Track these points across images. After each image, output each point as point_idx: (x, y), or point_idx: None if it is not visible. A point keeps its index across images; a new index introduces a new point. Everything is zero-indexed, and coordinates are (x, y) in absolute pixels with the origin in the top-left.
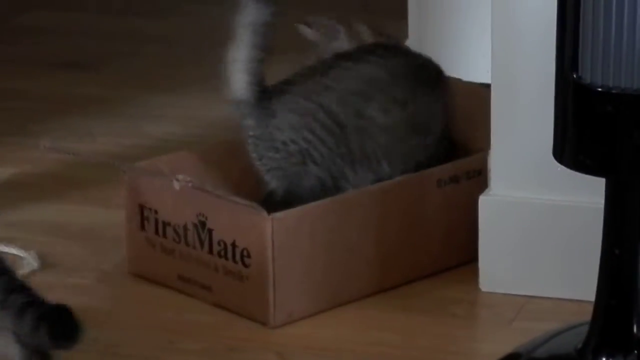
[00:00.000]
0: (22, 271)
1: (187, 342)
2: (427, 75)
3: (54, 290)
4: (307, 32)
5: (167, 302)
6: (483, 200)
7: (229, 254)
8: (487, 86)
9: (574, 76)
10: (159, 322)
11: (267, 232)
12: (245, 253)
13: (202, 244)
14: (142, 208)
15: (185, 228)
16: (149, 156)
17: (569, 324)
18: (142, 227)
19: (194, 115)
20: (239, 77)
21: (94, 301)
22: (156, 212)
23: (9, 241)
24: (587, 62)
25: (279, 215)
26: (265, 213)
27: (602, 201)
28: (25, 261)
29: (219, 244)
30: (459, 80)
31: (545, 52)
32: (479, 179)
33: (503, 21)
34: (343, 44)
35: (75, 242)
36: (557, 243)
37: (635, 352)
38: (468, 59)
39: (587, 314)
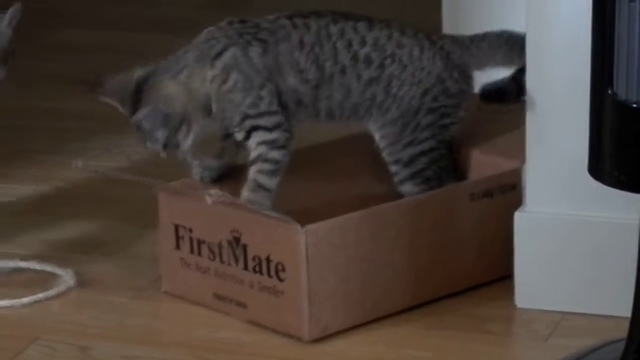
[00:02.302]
0: (58, 289)
1: None
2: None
3: (89, 307)
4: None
5: (202, 320)
6: (518, 216)
7: (264, 269)
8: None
9: (609, 92)
10: (194, 341)
11: (301, 244)
12: (280, 267)
13: (237, 260)
14: (176, 227)
15: (219, 245)
16: (182, 175)
17: (605, 340)
18: (177, 246)
19: None
20: None
21: (129, 319)
22: (191, 230)
23: (44, 259)
24: (622, 79)
25: (312, 227)
26: (298, 226)
27: (638, 217)
28: (61, 279)
29: (253, 259)
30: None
31: (580, 68)
32: (513, 194)
33: (538, 36)
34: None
35: (111, 260)
36: (593, 259)
37: None
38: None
39: (623, 330)
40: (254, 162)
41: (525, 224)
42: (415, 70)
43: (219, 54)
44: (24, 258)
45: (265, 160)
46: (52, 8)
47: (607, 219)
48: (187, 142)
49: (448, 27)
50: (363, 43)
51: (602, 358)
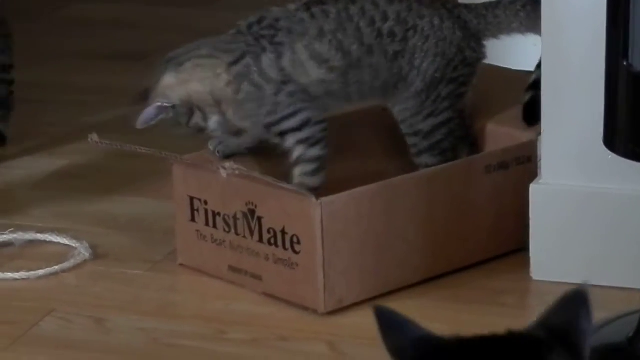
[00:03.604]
0: (73, 261)
1: (237, 333)
2: None
3: (105, 280)
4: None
5: (218, 293)
6: (534, 188)
7: (279, 241)
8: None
9: (625, 64)
10: (210, 313)
11: (317, 217)
12: (295, 239)
13: (252, 232)
14: (191, 200)
15: (235, 218)
16: (198, 148)
17: (620, 312)
18: (193, 218)
19: None
20: None
21: (144, 292)
22: (206, 202)
23: (60, 232)
24: (637, 50)
25: (327, 199)
26: (314, 198)
27: None
28: (76, 251)
29: (268, 231)
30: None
31: (596, 40)
32: (529, 166)
33: (553, 9)
34: None
35: (126, 233)
36: (608, 231)
37: None
38: (518, 48)
39: (638, 303)
40: (295, 163)
41: (540, 196)
42: (438, 41)
43: (235, 62)
44: (40, 231)
45: (306, 161)
46: None
47: (622, 191)
48: (210, 123)
49: None
50: (385, 18)
51: (617, 330)
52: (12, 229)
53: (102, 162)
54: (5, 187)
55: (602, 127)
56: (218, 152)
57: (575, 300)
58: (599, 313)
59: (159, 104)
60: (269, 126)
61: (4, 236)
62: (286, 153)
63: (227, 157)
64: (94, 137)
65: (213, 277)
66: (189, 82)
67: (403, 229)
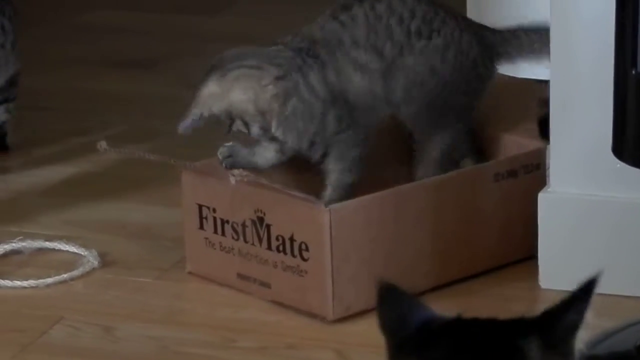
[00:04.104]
0: (82, 269)
1: (246, 340)
2: None
3: (113, 288)
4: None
5: (226, 300)
6: (542, 197)
7: (288, 249)
8: (546, 83)
9: (634, 72)
10: (218, 321)
11: (325, 224)
12: (303, 247)
13: (260, 240)
14: (200, 207)
15: (243, 225)
16: (207, 155)
17: (628, 320)
18: (201, 226)
19: None
20: None
21: (153, 300)
22: (214, 210)
23: (69, 239)
24: None
25: (335, 206)
26: (322, 205)
27: None
28: (85, 259)
29: (277, 239)
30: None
31: (604, 48)
32: (537, 174)
33: (562, 18)
34: None
35: (135, 240)
36: (617, 240)
37: None
38: None
39: None
40: (328, 183)
41: (549, 204)
42: (457, 53)
43: (282, 77)
44: (49, 238)
45: (337, 186)
46: None
47: (631, 200)
48: (253, 130)
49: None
50: (413, 16)
51: (626, 338)
52: (21, 237)
53: (110, 170)
54: (13, 195)
55: (610, 135)
56: (226, 165)
57: (577, 292)
58: (607, 321)
59: (200, 112)
60: (312, 145)
61: (13, 244)
62: (316, 164)
63: (232, 168)
64: (103, 144)
65: (221, 284)
66: (232, 91)
67: (412, 236)
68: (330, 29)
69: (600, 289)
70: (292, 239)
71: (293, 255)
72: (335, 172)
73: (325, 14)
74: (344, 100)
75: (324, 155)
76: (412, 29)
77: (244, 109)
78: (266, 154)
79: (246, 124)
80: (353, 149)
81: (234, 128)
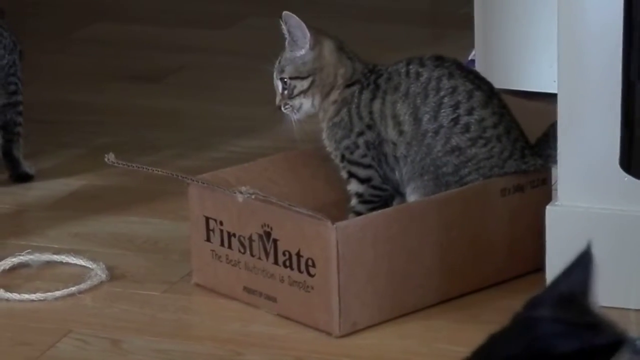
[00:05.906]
0: (90, 282)
1: (253, 354)
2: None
3: (121, 301)
4: (282, 27)
5: (233, 314)
6: (550, 210)
7: (294, 264)
8: (554, 96)
9: None
10: (226, 334)
11: (332, 241)
12: (310, 262)
13: (267, 254)
14: (207, 220)
15: (250, 239)
16: (214, 168)
17: (636, 335)
18: (208, 238)
19: (260, 127)
20: None
21: (160, 313)
22: (221, 223)
23: (77, 253)
24: None
25: (342, 224)
26: (329, 222)
27: None
28: (93, 272)
29: (284, 254)
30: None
31: (611, 62)
32: (544, 188)
33: (569, 31)
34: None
35: (142, 253)
36: (624, 253)
37: None
38: (534, 69)
39: None
40: (349, 209)
41: (556, 218)
42: (492, 167)
43: (349, 85)
44: (57, 252)
45: (354, 212)
46: (84, 2)
47: (638, 213)
48: (304, 102)
49: (479, 19)
50: (470, 113)
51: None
52: (29, 250)
53: (118, 183)
54: (21, 208)
55: (617, 149)
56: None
57: (580, 262)
58: None
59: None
60: (343, 158)
61: (21, 257)
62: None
63: None
64: (111, 157)
65: (229, 298)
66: (332, 53)
67: (419, 252)
68: (398, 71)
69: (608, 302)
70: (299, 255)
71: (300, 271)
72: (354, 198)
73: (407, 57)
74: (377, 134)
75: (350, 175)
76: (461, 121)
77: (328, 73)
78: None
79: (306, 92)
80: (372, 185)
81: (295, 93)
